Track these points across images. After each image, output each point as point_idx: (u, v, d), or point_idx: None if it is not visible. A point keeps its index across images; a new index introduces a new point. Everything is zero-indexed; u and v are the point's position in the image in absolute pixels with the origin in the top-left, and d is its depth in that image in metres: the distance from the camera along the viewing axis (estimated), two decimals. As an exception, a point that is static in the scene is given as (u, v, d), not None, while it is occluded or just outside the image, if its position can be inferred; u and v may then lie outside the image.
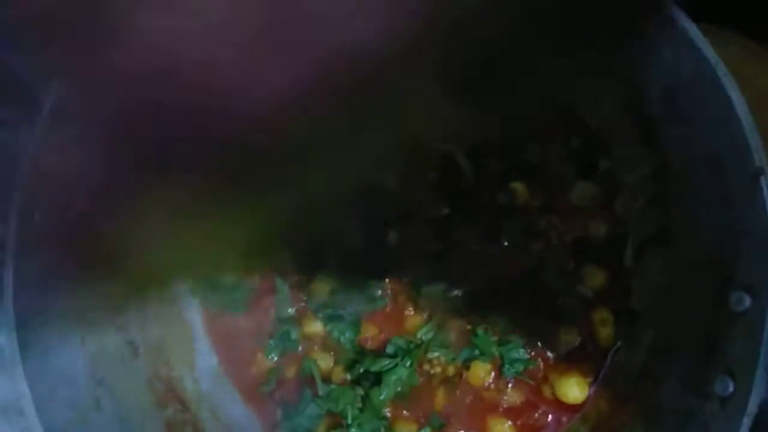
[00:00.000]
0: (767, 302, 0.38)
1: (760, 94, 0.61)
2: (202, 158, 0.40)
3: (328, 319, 0.56)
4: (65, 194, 0.43)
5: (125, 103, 0.37)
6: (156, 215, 0.42)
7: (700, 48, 0.40)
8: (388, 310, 0.56)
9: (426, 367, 0.55)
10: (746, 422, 0.38)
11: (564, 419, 0.52)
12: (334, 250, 0.55)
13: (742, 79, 0.61)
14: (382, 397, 0.53)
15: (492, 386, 0.53)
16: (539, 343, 0.53)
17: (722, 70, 0.40)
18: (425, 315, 0.55)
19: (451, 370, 0.54)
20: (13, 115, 0.45)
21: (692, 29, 0.40)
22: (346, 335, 0.55)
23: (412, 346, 0.54)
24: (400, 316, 0.56)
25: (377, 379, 0.54)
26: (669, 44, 0.42)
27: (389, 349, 0.55)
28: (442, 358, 0.54)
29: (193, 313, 0.60)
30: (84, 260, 0.44)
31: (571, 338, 0.52)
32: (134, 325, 0.55)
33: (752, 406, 0.37)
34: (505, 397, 0.53)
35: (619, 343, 0.51)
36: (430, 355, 0.54)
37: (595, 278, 0.52)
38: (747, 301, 0.40)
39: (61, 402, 0.47)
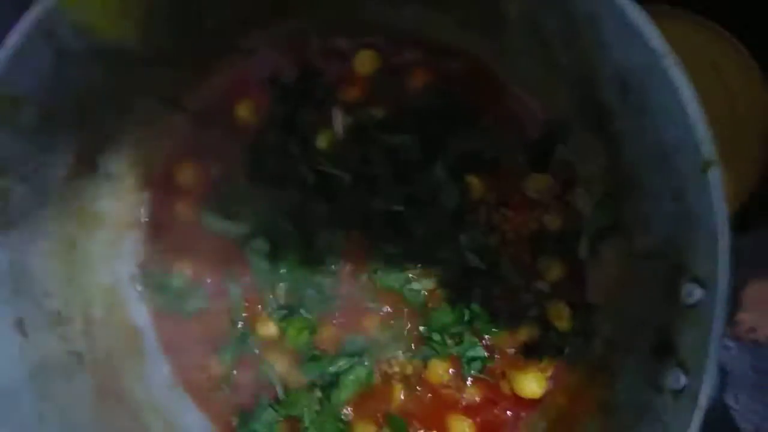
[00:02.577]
0: (717, 295, 0.38)
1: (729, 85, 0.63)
2: None
3: (284, 321, 0.55)
4: None
5: None
6: None
7: (649, 38, 0.39)
8: (344, 310, 0.55)
9: (384, 366, 0.54)
10: (698, 415, 0.38)
11: (523, 414, 0.52)
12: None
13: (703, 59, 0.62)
14: (341, 398, 0.53)
15: (451, 384, 0.53)
16: (497, 340, 0.52)
17: (671, 60, 0.39)
18: (382, 313, 0.54)
19: (409, 369, 0.54)
20: None
21: (641, 18, 0.40)
22: (303, 337, 0.54)
23: (369, 344, 0.54)
24: (356, 316, 0.55)
25: (335, 380, 0.53)
26: (620, 35, 0.41)
27: (347, 348, 0.54)
28: (400, 357, 0.54)
29: (142, 319, 0.58)
30: None
31: (529, 333, 0.52)
32: (78, 334, 0.53)
33: (703, 399, 0.38)
34: (464, 395, 0.53)
35: (575, 337, 0.51)
36: (387, 355, 0.54)
37: (552, 271, 0.52)
38: (698, 293, 0.40)
39: (2, 420, 0.45)
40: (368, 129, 0.54)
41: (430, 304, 0.53)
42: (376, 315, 0.54)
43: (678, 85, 0.39)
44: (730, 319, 0.56)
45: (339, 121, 0.54)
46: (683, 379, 0.39)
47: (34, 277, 0.50)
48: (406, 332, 0.54)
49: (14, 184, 0.47)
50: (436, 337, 0.53)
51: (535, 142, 0.53)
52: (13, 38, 0.44)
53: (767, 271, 0.55)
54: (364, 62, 0.55)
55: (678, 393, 0.39)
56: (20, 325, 0.48)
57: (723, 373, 0.40)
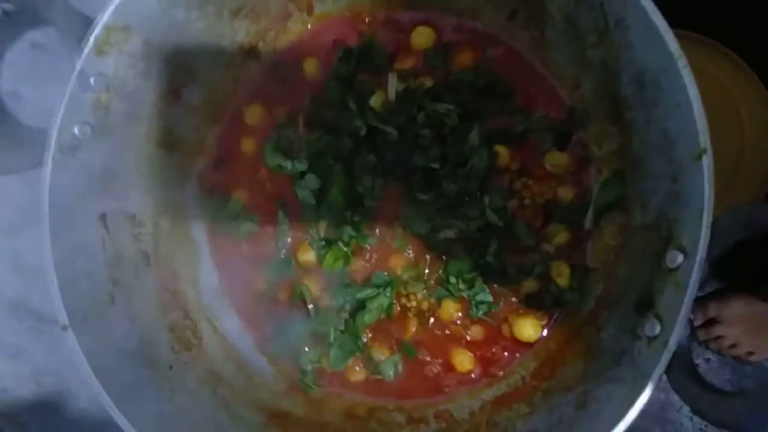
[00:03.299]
0: (696, 260, 0.45)
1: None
2: None
3: (323, 249, 0.62)
4: None
5: None
6: None
7: (667, 43, 0.47)
8: (375, 247, 0.63)
9: (403, 300, 0.62)
10: (666, 356, 0.45)
11: (518, 354, 0.60)
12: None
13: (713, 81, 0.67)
14: (364, 321, 0.60)
15: (459, 322, 0.61)
16: (503, 288, 0.60)
17: (683, 63, 0.47)
18: (408, 255, 0.62)
19: (425, 304, 0.61)
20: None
21: (663, 26, 0.47)
22: (338, 264, 0.62)
23: (393, 280, 0.61)
24: (386, 254, 0.62)
25: (361, 305, 0.61)
26: (644, 37, 0.49)
27: (374, 281, 0.61)
28: (419, 294, 0.61)
29: (201, 235, 0.66)
30: None
31: (532, 285, 0.59)
32: (148, 237, 0.61)
33: (673, 343, 0.45)
34: (469, 332, 0.60)
35: (572, 293, 0.59)
36: (408, 290, 0.61)
37: (559, 236, 0.59)
38: (679, 259, 0.47)
39: (81, 294, 0.53)
40: (417, 95, 0.61)
41: (450, 252, 0.61)
42: (402, 256, 0.62)
43: (687, 85, 0.46)
44: (711, 334, 0.63)
45: (393, 85, 0.62)
46: (658, 328, 0.46)
47: (119, 181, 0.58)
48: (426, 273, 0.62)
49: (115, 100, 0.55)
50: (452, 280, 0.60)
51: (558, 123, 0.60)
52: (132, -23, 0.52)
53: (747, 290, 0.62)
54: (421, 37, 0.62)
55: (652, 339, 0.46)
56: (104, 219, 0.57)
57: (690, 324, 0.47)
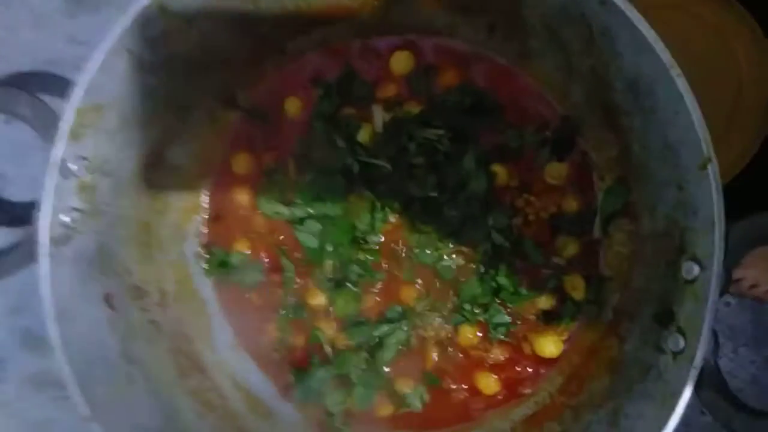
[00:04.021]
0: (712, 273, 0.44)
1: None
2: None
3: (332, 292, 0.62)
4: None
5: None
6: None
7: (657, 53, 0.45)
8: (385, 282, 0.62)
9: (420, 331, 0.61)
10: (693, 373, 0.44)
11: (542, 371, 0.60)
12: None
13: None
14: (384, 358, 0.60)
15: (479, 346, 0.60)
16: (519, 308, 0.59)
17: (676, 72, 0.45)
18: (418, 286, 0.61)
19: (442, 333, 0.61)
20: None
21: (651, 35, 0.45)
22: (350, 307, 0.61)
23: (407, 313, 0.61)
24: (396, 288, 0.62)
25: (380, 342, 0.60)
26: (632, 46, 0.47)
27: (388, 316, 0.61)
28: (435, 323, 0.61)
29: (207, 291, 0.65)
30: None
31: (547, 302, 0.59)
32: (155, 306, 0.60)
33: (698, 359, 0.44)
34: (491, 355, 0.60)
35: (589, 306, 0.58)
36: (423, 321, 0.61)
37: (568, 248, 0.58)
38: (695, 271, 0.46)
39: (99, 380, 0.53)
40: (404, 123, 0.59)
41: (460, 278, 0.60)
42: (412, 287, 0.61)
43: (683, 93, 0.45)
44: (728, 278, 0.62)
45: (378, 116, 0.60)
46: (682, 342, 0.46)
47: (117, 258, 0.57)
48: (439, 302, 0.61)
49: (100, 179, 0.54)
50: (466, 306, 0.59)
51: (554, 134, 0.59)
52: (98, 55, 0.50)
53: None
54: (400, 62, 0.60)
55: (677, 354, 0.46)
56: (109, 299, 0.56)
57: (715, 338, 0.47)
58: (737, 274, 0.61)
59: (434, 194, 0.59)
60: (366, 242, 0.61)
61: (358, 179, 0.60)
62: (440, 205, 0.59)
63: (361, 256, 0.61)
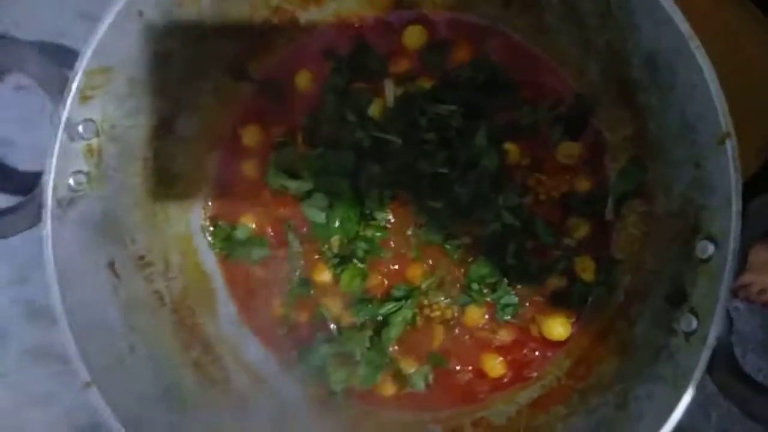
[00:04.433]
0: (728, 251, 0.43)
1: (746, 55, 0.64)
2: None
3: (338, 268, 0.61)
4: None
5: None
6: None
7: (677, 24, 0.44)
8: (391, 259, 0.61)
9: (426, 310, 0.60)
10: (706, 353, 0.43)
11: (549, 354, 0.58)
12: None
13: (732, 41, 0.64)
14: (390, 336, 0.59)
15: (486, 327, 0.59)
16: (528, 289, 0.58)
17: (695, 43, 0.44)
18: (425, 265, 0.60)
19: (448, 313, 0.60)
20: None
21: (669, 6, 0.44)
22: (355, 283, 0.60)
23: (413, 291, 0.60)
24: (403, 266, 0.61)
25: (385, 320, 0.60)
26: (650, 18, 0.46)
27: (394, 294, 0.60)
28: (441, 303, 0.60)
29: (212, 265, 0.65)
30: None
31: (557, 283, 0.58)
32: (159, 276, 0.60)
33: (712, 339, 0.43)
34: (498, 336, 0.59)
35: (598, 288, 0.57)
36: (430, 300, 0.60)
37: (579, 230, 0.57)
38: (710, 249, 0.45)
39: (100, 347, 0.52)
40: (417, 99, 0.58)
41: (468, 258, 0.59)
42: (419, 266, 0.60)
43: (703, 66, 0.44)
44: (738, 281, 0.61)
45: (390, 91, 0.59)
46: (694, 323, 0.44)
47: (123, 225, 0.56)
48: (446, 282, 0.60)
49: (107, 144, 0.53)
50: (474, 286, 0.58)
51: (568, 112, 0.58)
52: (107, 16, 0.49)
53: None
54: (413, 36, 0.59)
55: (690, 335, 0.45)
56: (113, 267, 0.55)
57: (729, 318, 0.45)
58: (745, 279, 0.60)
59: (444, 171, 0.58)
60: (374, 219, 0.60)
61: (368, 154, 0.59)
62: (450, 182, 0.58)
63: (369, 232, 0.60)
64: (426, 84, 0.59)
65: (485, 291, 0.58)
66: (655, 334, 0.50)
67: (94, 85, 0.51)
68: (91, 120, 0.52)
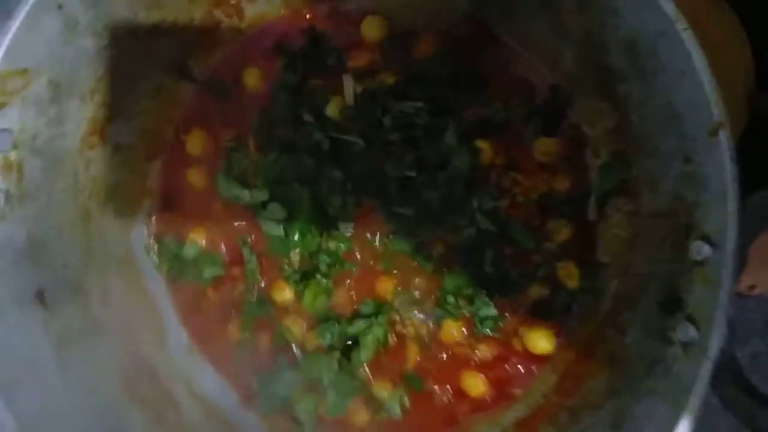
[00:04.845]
0: (726, 252, 0.39)
1: (713, 41, 0.62)
2: None
3: (300, 285, 0.56)
4: None
5: None
6: None
7: (661, 5, 0.40)
8: (358, 273, 0.56)
9: (398, 327, 0.55)
10: (707, 365, 0.40)
11: (534, 369, 0.54)
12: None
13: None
14: (361, 359, 0.54)
15: (464, 342, 0.55)
16: (509, 299, 0.54)
17: (682, 26, 0.40)
18: (396, 278, 0.55)
19: (423, 329, 0.55)
20: None
21: (653, -15, 0.40)
22: (319, 301, 0.55)
23: (384, 307, 0.55)
24: (371, 280, 0.56)
25: (354, 341, 0.55)
26: (631, 1, 0.42)
27: (363, 311, 0.55)
28: (414, 319, 0.55)
29: (158, 288, 0.59)
30: None
31: (538, 292, 0.53)
32: (97, 304, 0.53)
33: (713, 350, 0.39)
34: (477, 352, 0.54)
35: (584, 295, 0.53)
36: (402, 316, 0.55)
37: (561, 232, 0.53)
38: (706, 251, 0.41)
39: (29, 391, 0.46)
40: (379, 95, 0.54)
41: (442, 268, 0.54)
42: (389, 279, 0.55)
43: (690, 50, 0.40)
44: (744, 260, 0.57)
45: (349, 87, 0.54)
46: (693, 332, 0.41)
47: (52, 249, 0.50)
48: (418, 295, 0.55)
49: (28, 157, 0.47)
50: (450, 298, 0.54)
51: (543, 106, 0.54)
52: (23, 9, 0.43)
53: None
54: (372, 28, 0.55)
55: (688, 345, 0.41)
56: (41, 296, 0.49)
57: (731, 326, 0.42)
58: (746, 280, 0.57)
59: (412, 174, 0.53)
60: (336, 229, 0.55)
61: (328, 158, 0.54)
62: (419, 186, 0.54)
63: (332, 244, 0.56)
64: (388, 79, 0.55)
65: (462, 303, 0.54)
66: (648, 344, 0.46)
67: (8, 89, 0.45)
68: (7, 130, 0.46)
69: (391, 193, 0.54)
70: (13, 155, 0.46)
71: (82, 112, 0.50)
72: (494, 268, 0.53)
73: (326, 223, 0.55)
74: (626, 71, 0.47)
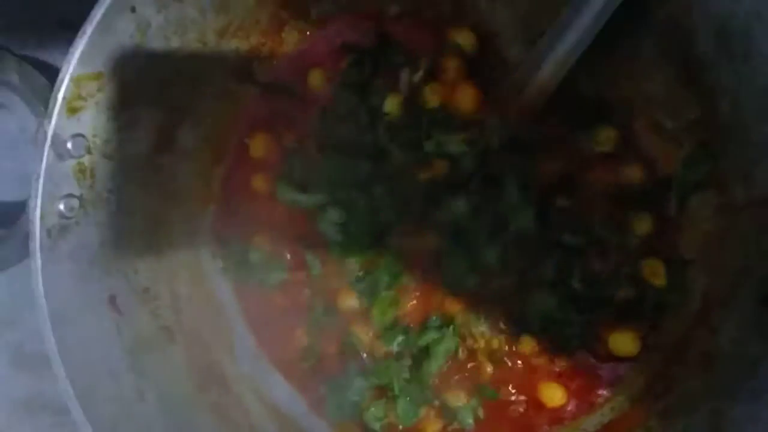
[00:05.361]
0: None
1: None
2: None
3: (366, 296, 0.54)
4: None
5: None
6: None
7: (760, -17, 0.38)
8: (421, 288, 0.54)
9: (469, 341, 0.53)
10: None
11: (620, 373, 0.51)
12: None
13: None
14: (431, 369, 0.52)
15: (543, 354, 0.52)
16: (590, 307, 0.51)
17: (781, 4, 0.38)
18: (462, 303, 0.53)
19: (495, 343, 0.52)
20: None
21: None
22: (389, 315, 0.53)
23: (455, 323, 0.53)
24: (438, 295, 0.54)
25: (424, 351, 0.52)
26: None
27: (433, 323, 0.53)
28: (486, 334, 0.53)
29: (226, 293, 0.58)
30: None
31: (625, 294, 0.50)
32: (167, 310, 0.53)
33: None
34: (557, 360, 0.51)
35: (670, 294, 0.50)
36: (473, 330, 0.53)
37: (641, 226, 0.50)
38: (811, 241, 0.39)
39: (104, 396, 0.45)
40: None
41: (516, 296, 0.51)
42: (455, 301, 0.53)
43: (790, 29, 0.38)
44: None
45: (405, 79, 0.52)
46: (797, 328, 0.39)
47: (122, 254, 0.50)
48: (489, 318, 0.53)
49: (100, 162, 0.47)
50: (534, 323, 0.51)
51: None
52: (97, 13, 0.43)
53: None
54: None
55: None
56: (114, 302, 0.48)
57: None
58: None
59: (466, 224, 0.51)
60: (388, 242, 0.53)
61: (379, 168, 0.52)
62: (475, 239, 0.51)
63: (388, 258, 0.53)
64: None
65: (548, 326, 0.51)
66: (746, 343, 0.43)
67: (83, 94, 0.44)
68: (81, 135, 0.45)
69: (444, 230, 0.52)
70: (86, 160, 0.46)
71: (152, 117, 0.50)
72: (582, 283, 0.50)
73: (379, 233, 0.53)
74: (713, 57, 0.44)
